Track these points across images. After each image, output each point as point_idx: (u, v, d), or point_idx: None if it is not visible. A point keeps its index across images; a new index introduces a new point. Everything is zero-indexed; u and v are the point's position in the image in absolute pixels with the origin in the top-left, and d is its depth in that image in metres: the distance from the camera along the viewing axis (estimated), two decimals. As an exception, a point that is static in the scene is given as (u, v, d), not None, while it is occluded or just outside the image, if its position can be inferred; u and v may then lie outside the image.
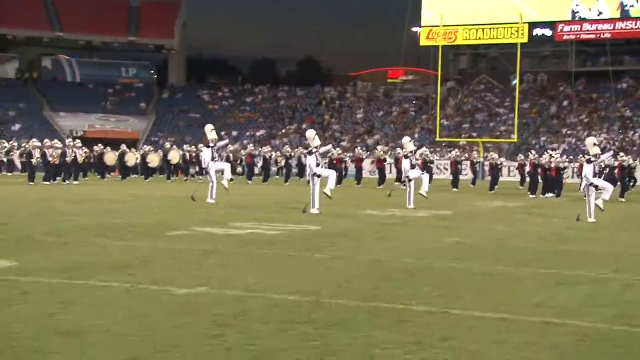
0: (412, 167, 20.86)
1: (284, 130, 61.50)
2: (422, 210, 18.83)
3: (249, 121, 63.65)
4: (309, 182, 17.71)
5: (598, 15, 61.38)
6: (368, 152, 45.96)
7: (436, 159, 47.31)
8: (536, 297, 7.51)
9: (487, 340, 5.75)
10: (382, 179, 34.00)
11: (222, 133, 61.69)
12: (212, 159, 19.28)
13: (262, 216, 15.90)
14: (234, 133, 60.82)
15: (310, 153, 17.42)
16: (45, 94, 63.25)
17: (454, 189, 31.73)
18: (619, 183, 27.86)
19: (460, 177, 34.76)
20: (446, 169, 43.80)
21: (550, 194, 27.28)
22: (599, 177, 17.39)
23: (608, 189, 17.66)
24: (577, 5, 62.03)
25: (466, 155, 41.42)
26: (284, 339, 5.53)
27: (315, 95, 68.08)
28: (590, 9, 61.18)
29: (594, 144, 17.58)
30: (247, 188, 29.53)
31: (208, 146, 19.49)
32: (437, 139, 51.33)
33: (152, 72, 71.10)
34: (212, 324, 5.85)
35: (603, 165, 17.96)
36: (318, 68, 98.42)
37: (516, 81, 68.80)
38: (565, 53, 67.10)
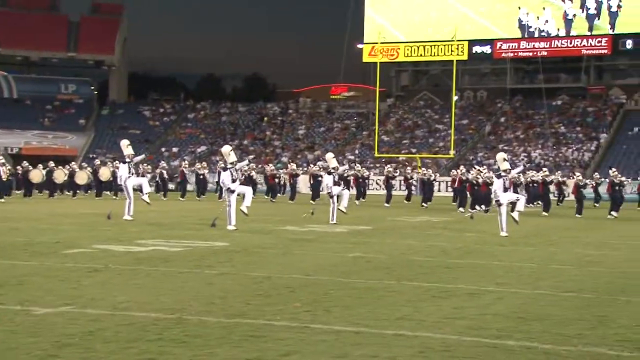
0: (335, 183, 21.03)
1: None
2: (342, 226, 18.95)
3: (190, 137, 63.32)
4: (220, 197, 17.70)
5: (545, 23, 62.83)
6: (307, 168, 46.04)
7: (373, 175, 47.70)
8: (403, 310, 7.62)
9: (329, 354, 5.81)
10: (316, 194, 34.09)
11: (162, 149, 61.38)
12: (129, 174, 19.12)
13: (174, 233, 15.83)
14: (175, 149, 60.47)
15: (224, 169, 17.41)
16: (-20, 110, 62.08)
17: (386, 205, 31.97)
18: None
19: (395, 192, 35.14)
20: (379, 185, 44.19)
21: (478, 209, 27.64)
22: (511, 191, 17.73)
23: (520, 201, 18.00)
24: (526, 14, 63.41)
25: (399, 171, 41.78)
26: (120, 357, 5.52)
27: (258, 111, 68.07)
28: (538, 18, 62.70)
29: (504, 159, 17.91)
30: (176, 205, 29.32)
31: (124, 162, 19.33)
32: (376, 155, 51.70)
33: (92, 88, 70.28)
34: (53, 345, 5.80)
35: (516, 181, 18.26)
36: (263, 85, 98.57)
37: (457, 98, 70.01)
38: (504, 70, 68.39)
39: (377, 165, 53.68)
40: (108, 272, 9.78)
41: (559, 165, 50.27)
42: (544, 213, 27.10)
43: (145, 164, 36.22)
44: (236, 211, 17.25)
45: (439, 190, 41.71)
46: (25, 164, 34.21)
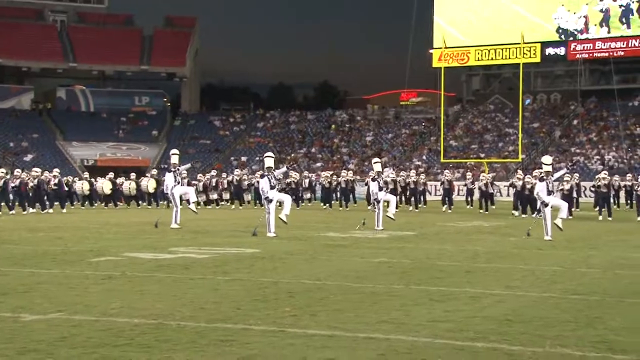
0: (380, 189, 20.91)
1: (293, 155, 61.73)
2: (385, 232, 18.83)
3: (259, 146, 63.99)
4: (262, 205, 17.78)
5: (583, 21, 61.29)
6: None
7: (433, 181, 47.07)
8: (392, 314, 7.54)
9: (288, 358, 5.79)
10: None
11: (231, 158, 62.24)
12: (175, 183, 19.46)
13: (212, 240, 16.01)
14: (244, 158, 61.19)
15: (262, 176, 17.50)
16: (59, 124, 64.25)
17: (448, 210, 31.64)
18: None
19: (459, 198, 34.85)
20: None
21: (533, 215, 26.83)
22: (558, 196, 17.30)
23: (563, 208, 17.54)
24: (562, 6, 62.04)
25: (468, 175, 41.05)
26: (76, 361, 5.63)
27: (326, 119, 68.33)
28: (574, 13, 61.19)
29: (545, 163, 17.48)
30: (235, 213, 29.68)
31: (170, 171, 19.69)
32: (442, 160, 51.15)
33: (165, 99, 71.91)
34: (17, 351, 5.93)
35: (557, 184, 17.75)
36: (334, 93, 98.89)
37: (529, 101, 68.72)
38: (578, 72, 66.77)
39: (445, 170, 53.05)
40: (121, 279, 9.98)
41: (633, 167, 48.70)
42: (608, 218, 26.35)
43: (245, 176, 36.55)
44: (275, 219, 17.32)
45: (501, 195, 40.90)
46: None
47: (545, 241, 16.19)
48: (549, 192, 16.93)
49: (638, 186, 26.08)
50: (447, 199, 32.85)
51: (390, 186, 32.19)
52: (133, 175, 36.18)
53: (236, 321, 7.19)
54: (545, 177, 16.92)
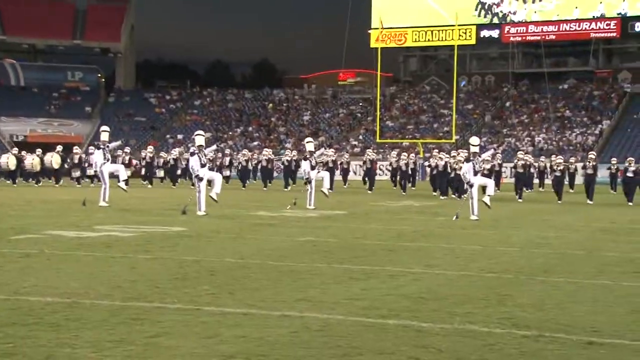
0: (312, 168, 20.96)
1: (230, 133, 61.39)
2: (317, 212, 18.91)
3: (196, 124, 63.38)
4: (193, 184, 17.67)
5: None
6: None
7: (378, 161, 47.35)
8: (309, 292, 7.58)
9: (199, 336, 5.78)
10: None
11: (167, 136, 61.55)
12: (104, 160, 19.16)
13: (139, 219, 15.83)
14: (180, 136, 60.59)
15: (192, 154, 17.38)
16: (-13, 98, 62.55)
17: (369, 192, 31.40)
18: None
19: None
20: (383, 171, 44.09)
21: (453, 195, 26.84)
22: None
23: (490, 185, 17.90)
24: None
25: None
26: (-21, 340, 5.51)
27: (264, 98, 68.10)
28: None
29: (472, 144, 17.77)
30: (168, 191, 29.39)
31: (99, 148, 19.37)
32: (378, 140, 51.55)
33: (99, 75, 70.57)
34: None
35: (483, 165, 18.05)
36: (272, 71, 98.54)
37: (464, 82, 69.59)
38: (511, 55, 67.83)
39: (381, 150, 53.46)
40: (38, 257, 9.79)
41: (562, 149, 49.88)
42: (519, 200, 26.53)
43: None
44: (206, 197, 17.24)
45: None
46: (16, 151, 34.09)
47: (471, 221, 16.48)
48: (475, 173, 17.24)
49: (557, 166, 26.58)
50: (366, 178, 32.45)
51: (330, 165, 32.18)
52: (39, 151, 33.73)
53: (152, 299, 7.14)
54: (472, 158, 17.20)
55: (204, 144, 17.57)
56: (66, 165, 31.54)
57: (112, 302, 6.96)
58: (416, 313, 6.59)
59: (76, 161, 31.43)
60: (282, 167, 34.53)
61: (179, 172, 34.39)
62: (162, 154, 37.01)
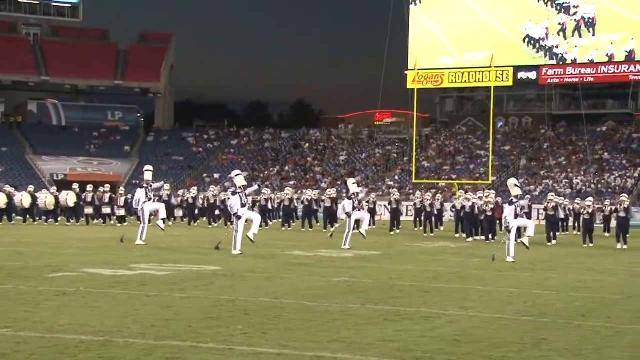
0: (354, 208, 20.83)
1: (266, 172, 61.72)
2: (352, 252, 18.84)
3: (232, 163, 63.86)
4: (231, 222, 17.72)
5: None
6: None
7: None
8: (343, 333, 7.55)
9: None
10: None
11: (204, 175, 62.07)
12: (146, 199, 19.35)
13: (174, 257, 15.93)
14: (217, 175, 61.02)
15: (234, 194, 17.47)
16: (29, 137, 63.76)
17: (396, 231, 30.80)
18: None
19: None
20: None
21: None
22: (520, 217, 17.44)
23: (530, 226, 17.73)
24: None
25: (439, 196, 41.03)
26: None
27: (300, 137, 68.48)
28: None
29: (515, 185, 17.63)
30: (204, 231, 29.55)
31: (142, 187, 19.59)
32: (414, 180, 51.39)
33: (139, 115, 71.66)
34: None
35: (521, 209, 17.78)
36: (309, 111, 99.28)
37: (502, 124, 69.35)
38: (549, 96, 67.46)
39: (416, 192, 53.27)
40: (74, 295, 9.89)
41: (600, 192, 49.26)
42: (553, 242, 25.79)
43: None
44: (243, 237, 17.23)
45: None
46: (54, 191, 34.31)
47: (508, 263, 16.31)
48: (516, 216, 17.08)
49: (584, 209, 25.69)
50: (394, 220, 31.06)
51: (370, 206, 31.73)
52: (53, 189, 33.43)
53: (185, 339, 7.16)
54: (514, 200, 17.06)
55: (245, 183, 17.69)
56: (82, 203, 31.25)
57: (145, 341, 6.99)
58: (450, 356, 6.52)
59: (89, 200, 31.02)
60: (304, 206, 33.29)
61: (196, 211, 33.67)
62: (208, 192, 36.36)
